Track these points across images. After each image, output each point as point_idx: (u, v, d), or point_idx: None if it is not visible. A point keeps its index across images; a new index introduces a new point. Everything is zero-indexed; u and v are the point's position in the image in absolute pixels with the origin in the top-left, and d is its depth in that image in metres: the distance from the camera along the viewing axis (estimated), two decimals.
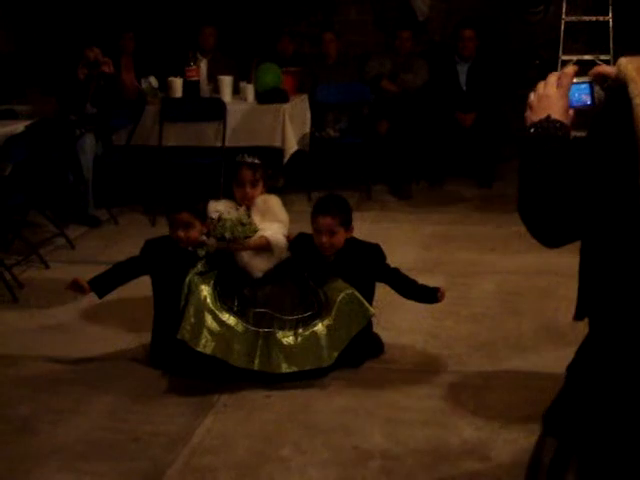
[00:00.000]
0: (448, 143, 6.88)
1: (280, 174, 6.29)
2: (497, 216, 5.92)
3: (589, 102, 1.62)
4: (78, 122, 5.83)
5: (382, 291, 3.76)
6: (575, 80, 1.63)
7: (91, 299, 3.92)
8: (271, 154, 5.50)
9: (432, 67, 7.01)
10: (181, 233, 3.62)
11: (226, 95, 6.21)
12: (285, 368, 3.41)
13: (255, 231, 3.59)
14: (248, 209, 3.69)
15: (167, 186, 5.74)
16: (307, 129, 6.53)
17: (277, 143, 6.03)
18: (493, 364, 3.63)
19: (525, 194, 1.55)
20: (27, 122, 5.19)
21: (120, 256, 4.00)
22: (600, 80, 1.61)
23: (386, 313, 3.95)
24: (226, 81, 6.25)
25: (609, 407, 1.56)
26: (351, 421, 3.16)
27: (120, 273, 3.69)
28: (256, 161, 3.76)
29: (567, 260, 4.78)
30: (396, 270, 3.70)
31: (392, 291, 3.73)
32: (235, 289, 3.52)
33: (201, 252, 3.62)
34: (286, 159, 6.05)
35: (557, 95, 1.60)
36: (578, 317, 1.68)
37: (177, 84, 6.21)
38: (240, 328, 3.41)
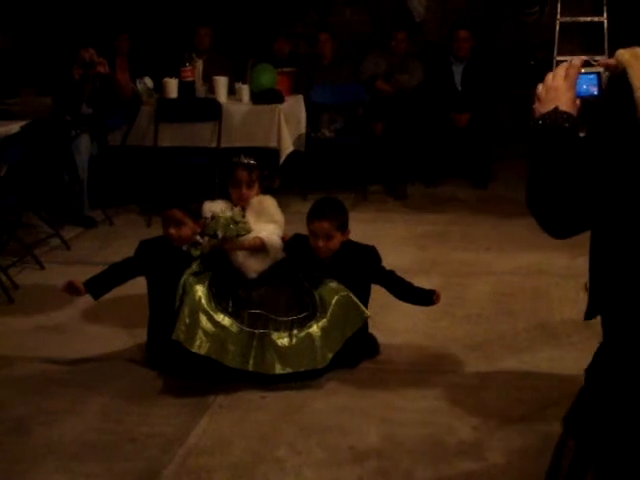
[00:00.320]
0: (443, 143, 6.89)
1: (276, 175, 6.29)
2: (492, 217, 5.93)
3: (596, 92, 1.63)
4: (73, 122, 5.84)
5: (378, 292, 3.76)
6: (583, 70, 1.63)
7: (87, 300, 3.92)
8: (267, 155, 5.49)
9: (427, 67, 7.01)
10: (172, 230, 3.61)
11: (221, 96, 6.21)
12: (279, 369, 3.40)
13: (248, 231, 3.58)
14: (244, 210, 3.69)
15: (162, 187, 5.73)
16: (302, 130, 6.52)
17: (273, 144, 6.04)
18: (488, 364, 3.63)
19: (534, 185, 1.55)
20: (22, 122, 5.18)
21: (116, 257, 4.00)
22: (609, 70, 1.62)
23: (382, 314, 3.95)
24: (221, 82, 6.24)
25: (626, 409, 1.55)
26: (347, 421, 3.16)
27: (116, 274, 3.69)
28: (252, 162, 3.77)
29: (562, 261, 4.85)
30: (391, 272, 3.70)
31: (388, 292, 3.73)
32: (230, 290, 3.52)
33: (195, 252, 3.61)
34: (282, 160, 6.05)
35: (565, 87, 1.61)
36: (589, 317, 1.67)
37: (172, 85, 6.21)
38: (235, 329, 3.41)
